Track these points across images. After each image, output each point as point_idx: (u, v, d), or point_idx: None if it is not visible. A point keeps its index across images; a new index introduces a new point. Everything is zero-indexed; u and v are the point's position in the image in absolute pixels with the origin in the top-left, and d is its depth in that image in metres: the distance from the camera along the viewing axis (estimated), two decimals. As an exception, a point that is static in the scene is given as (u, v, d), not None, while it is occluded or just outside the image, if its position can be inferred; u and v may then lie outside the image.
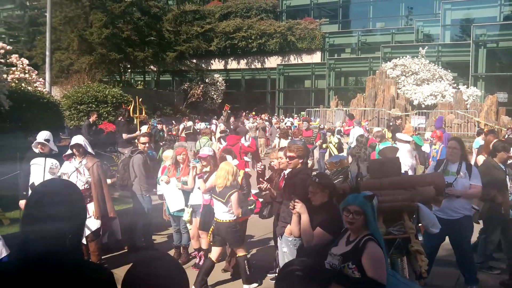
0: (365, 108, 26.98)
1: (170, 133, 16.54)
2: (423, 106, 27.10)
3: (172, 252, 7.78)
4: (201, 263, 7.33)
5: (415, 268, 4.28)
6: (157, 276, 1.71)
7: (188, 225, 7.38)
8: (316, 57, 40.42)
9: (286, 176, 5.82)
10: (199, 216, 7.16)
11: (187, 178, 7.25)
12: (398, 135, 10.45)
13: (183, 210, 7.33)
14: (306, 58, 40.79)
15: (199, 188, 7.10)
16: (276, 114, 36.89)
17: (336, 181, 5.17)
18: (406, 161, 8.90)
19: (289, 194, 4.98)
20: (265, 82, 43.95)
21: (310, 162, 9.30)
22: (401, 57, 29.71)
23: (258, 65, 42.78)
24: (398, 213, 4.43)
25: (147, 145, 7.93)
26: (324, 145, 15.11)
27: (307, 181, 4.72)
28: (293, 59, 41.42)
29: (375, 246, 3.58)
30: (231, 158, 7.27)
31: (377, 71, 30.42)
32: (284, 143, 13.68)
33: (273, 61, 41.83)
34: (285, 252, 5.29)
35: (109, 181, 7.66)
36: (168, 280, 1.71)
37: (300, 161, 5.60)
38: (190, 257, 7.70)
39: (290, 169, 5.65)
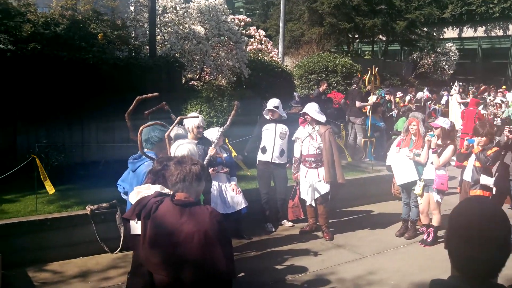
0: None
1: (403, 104, 15.94)
2: None
3: (399, 225, 7.60)
4: (429, 239, 7.00)
5: None
6: (484, 214, 1.73)
7: (418, 199, 7.07)
8: None
9: None
10: (431, 191, 6.83)
11: (420, 151, 6.92)
12: None
13: (414, 182, 7.03)
14: None
15: (432, 163, 6.76)
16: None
17: None
18: None
19: None
20: (507, 52, 39.43)
21: None
22: None
23: (500, 33, 38.49)
24: None
25: None
26: None
27: None
28: (545, 25, 36.24)
29: None
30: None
31: None
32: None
33: (518, 28, 37.22)
34: None
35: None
36: (491, 219, 1.72)
37: None
38: (418, 232, 7.40)
39: None
